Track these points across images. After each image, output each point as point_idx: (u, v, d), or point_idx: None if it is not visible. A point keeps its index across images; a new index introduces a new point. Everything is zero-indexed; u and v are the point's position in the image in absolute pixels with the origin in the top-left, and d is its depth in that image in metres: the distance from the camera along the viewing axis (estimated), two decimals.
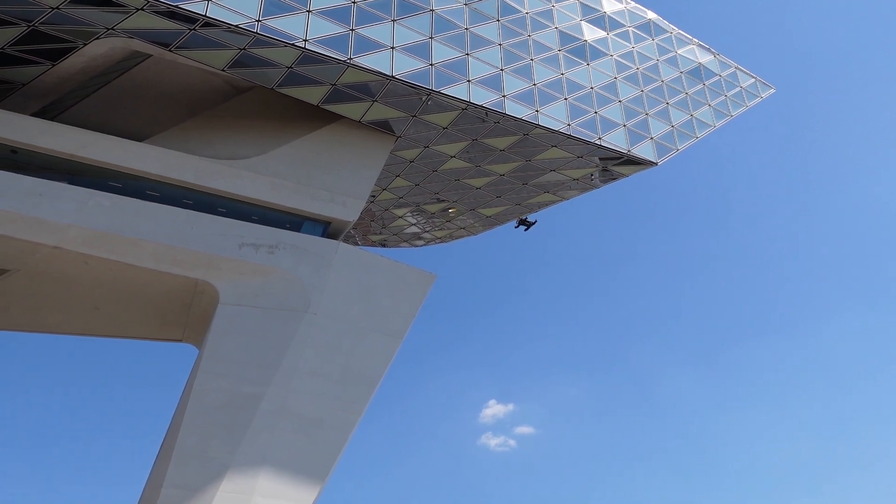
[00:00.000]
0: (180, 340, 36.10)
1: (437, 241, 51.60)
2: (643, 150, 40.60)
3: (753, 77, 50.55)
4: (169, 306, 33.83)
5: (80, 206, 29.39)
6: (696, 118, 44.34)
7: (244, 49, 30.46)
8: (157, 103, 34.95)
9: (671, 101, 43.77)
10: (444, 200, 45.17)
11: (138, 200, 30.59)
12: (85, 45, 29.80)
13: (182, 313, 34.28)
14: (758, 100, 49.61)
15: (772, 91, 51.12)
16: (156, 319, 35.36)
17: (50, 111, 33.27)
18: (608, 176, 42.73)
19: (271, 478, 27.50)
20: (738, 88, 48.63)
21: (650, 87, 43.36)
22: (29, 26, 28.45)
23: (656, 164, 40.96)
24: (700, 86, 46.22)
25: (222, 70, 31.49)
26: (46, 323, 36.25)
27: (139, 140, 32.48)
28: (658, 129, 41.93)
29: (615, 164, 41.04)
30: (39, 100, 32.95)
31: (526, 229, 51.16)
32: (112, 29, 28.94)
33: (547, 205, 46.30)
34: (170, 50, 30.28)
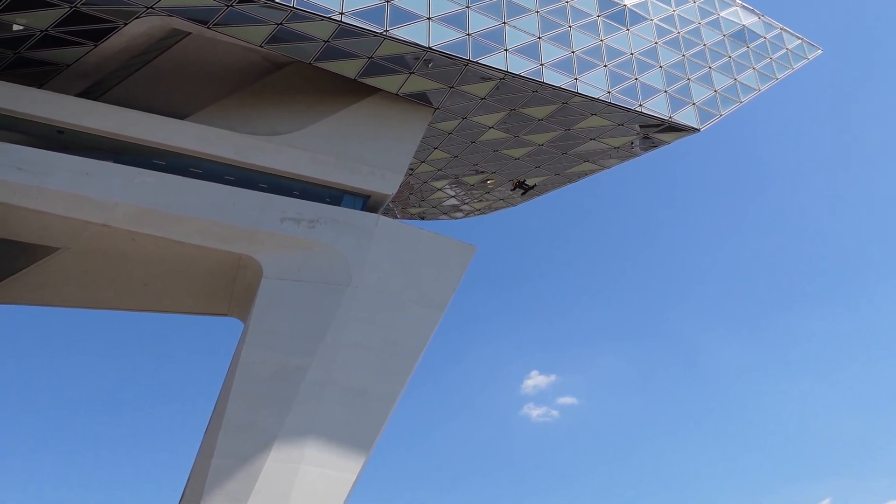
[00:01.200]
0: (225, 314, 36.78)
1: (477, 212, 51.53)
2: (685, 117, 39.87)
3: (800, 38, 49.14)
4: (214, 281, 34.47)
5: (126, 184, 30.01)
6: (739, 82, 43.33)
7: (281, 24, 30.55)
8: (197, 81, 35.31)
9: (714, 66, 42.81)
10: (482, 172, 45.02)
11: (181, 177, 31.14)
12: (125, 24, 30.17)
13: (227, 288, 34.90)
14: (804, 62, 48.26)
15: (819, 52, 49.67)
16: (202, 294, 36.06)
17: (94, 91, 33.85)
18: (649, 143, 42.11)
19: (318, 447, 28.06)
20: (783, 50, 47.34)
21: (692, 51, 42.45)
22: (71, 7, 28.88)
23: (699, 130, 40.22)
24: (744, 48, 45.09)
25: (260, 46, 31.64)
26: (99, 299, 37.22)
27: (180, 118, 32.92)
28: (700, 94, 41.10)
29: (656, 131, 40.40)
30: (83, 80, 33.52)
31: (523, 193, 48.37)
32: (151, 7, 29.24)
33: (587, 174, 45.84)
34: (208, 27, 30.50)
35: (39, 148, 30.16)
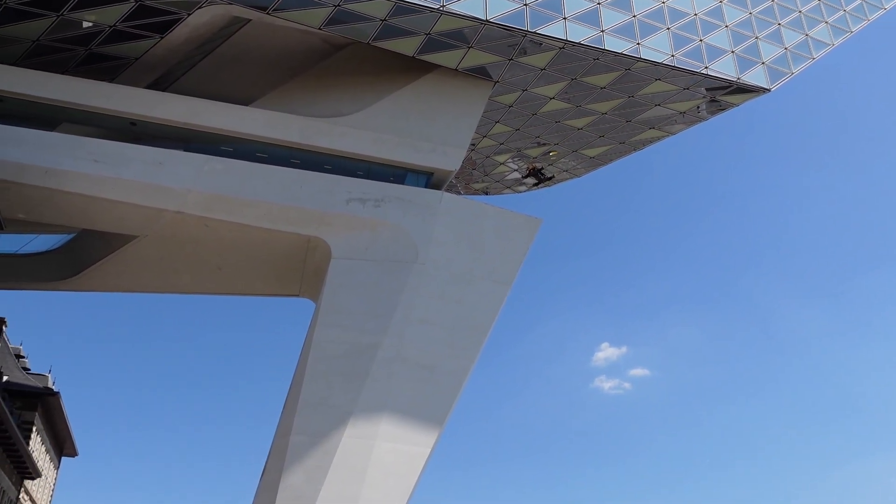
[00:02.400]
0: (297, 295, 37.60)
1: (541, 185, 51.07)
2: (754, 77, 38.52)
3: None
4: (285, 263, 35.23)
5: (197, 172, 30.87)
6: (811, 38, 41.57)
7: (338, 5, 30.71)
8: (260, 67, 35.89)
9: (783, 22, 41.13)
10: (545, 144, 44.53)
11: (249, 163, 31.87)
12: (188, 14, 30.83)
13: (297, 269, 35.62)
14: (881, 12, 45.91)
15: None
16: (273, 276, 36.93)
17: (162, 83, 34.80)
18: (716, 107, 40.88)
19: (392, 423, 28.55)
20: (857, 1, 45.15)
21: (759, 8, 40.87)
22: (137, 1, 29.66)
23: (769, 90, 38.80)
24: (815, 2, 43.19)
25: (319, 28, 31.91)
26: (177, 284, 38.59)
27: (245, 104, 33.58)
28: (770, 52, 39.58)
29: (724, 93, 39.19)
30: (151, 73, 34.48)
31: (536, 183, 44.38)
32: None
33: (652, 141, 44.85)
34: (267, 12, 30.90)
35: (114, 140, 31.30)
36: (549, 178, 42.89)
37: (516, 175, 49.69)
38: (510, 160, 47.31)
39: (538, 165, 41.71)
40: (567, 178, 50.07)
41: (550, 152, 45.82)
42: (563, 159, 46.85)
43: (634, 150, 46.00)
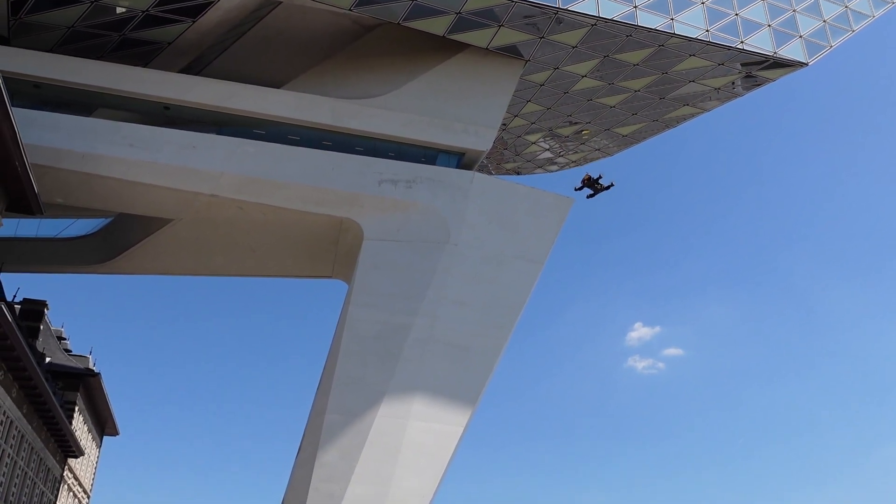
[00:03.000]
0: (330, 277, 37.89)
1: (572, 164, 50.65)
2: (791, 51, 37.66)
3: None
4: (317, 245, 35.48)
5: (230, 155, 31.15)
6: (850, 9, 40.45)
7: None
8: (290, 49, 35.98)
9: None
10: (576, 123, 44.10)
11: (281, 145, 32.05)
12: None
13: (330, 251, 35.86)
14: None
15: None
16: (306, 258, 37.23)
17: (194, 67, 35.10)
18: (752, 82, 40.08)
19: (425, 402, 28.74)
20: None
21: None
22: None
23: (806, 64, 37.92)
24: None
25: (349, 10, 31.85)
26: (211, 266, 39.11)
27: (276, 87, 33.73)
28: (807, 25, 38.65)
29: (760, 68, 38.40)
30: (184, 57, 34.77)
31: (591, 195, 38.76)
32: None
33: (687, 118, 44.17)
34: None
35: (148, 125, 31.69)
36: (608, 187, 38.12)
37: (548, 154, 49.34)
38: (542, 140, 46.96)
39: (593, 176, 38.08)
40: (600, 157, 49.58)
41: (583, 131, 45.37)
42: (595, 138, 46.39)
43: (668, 127, 45.36)
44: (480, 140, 34.31)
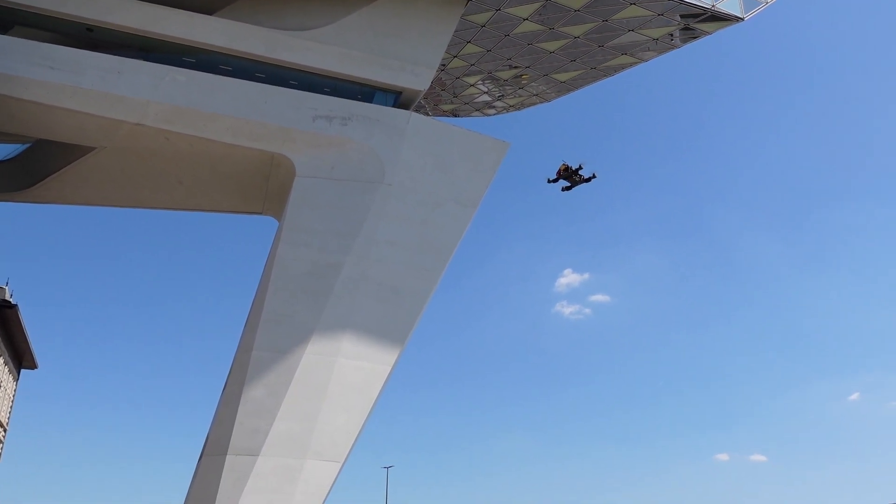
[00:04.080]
0: (260, 213, 37.25)
1: (511, 109, 50.62)
2: (729, 5, 38.10)
3: None
4: (248, 180, 34.73)
5: (157, 83, 29.96)
6: None
7: None
8: None
9: None
10: (516, 66, 43.92)
11: (212, 75, 30.98)
12: None
13: (261, 186, 35.18)
14: None
15: None
16: (236, 193, 36.44)
17: None
18: (690, 35, 40.52)
19: (354, 341, 28.87)
20: None
21: None
22: None
23: (742, 19, 38.50)
24: None
25: None
26: (137, 198, 37.90)
27: (208, 13, 32.39)
28: None
29: (698, 21, 38.80)
30: None
31: (568, 188, 35.07)
32: None
33: (624, 67, 44.48)
34: None
35: (71, 46, 30.11)
36: (589, 179, 34.32)
37: (486, 98, 49.12)
38: (480, 82, 46.68)
39: (572, 166, 33.44)
40: (537, 103, 49.67)
41: (522, 75, 45.27)
42: (533, 83, 46.38)
43: (606, 76, 45.65)
44: (418, 79, 33.86)
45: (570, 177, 33.87)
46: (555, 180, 34.04)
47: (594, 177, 34.01)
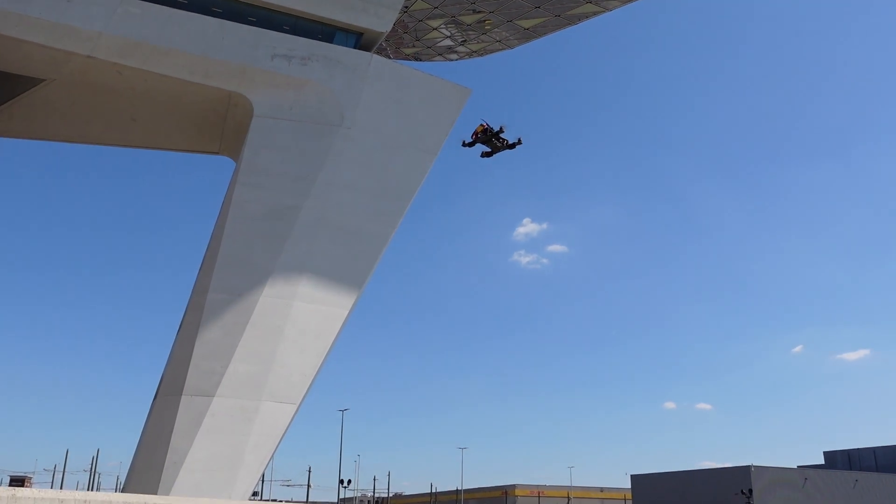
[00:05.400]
0: (217, 153, 36.59)
1: (473, 54, 50.05)
2: None
3: None
4: (204, 118, 33.98)
5: (110, 14, 28.86)
6: None
7: None
8: None
9: None
10: (480, 11, 43.28)
11: (168, 8, 29.92)
12: None
13: (217, 126, 34.48)
14: None
15: None
16: (192, 132, 35.66)
17: None
18: None
19: (311, 284, 28.88)
20: None
21: None
22: None
23: None
24: None
25: None
26: (88, 134, 36.81)
27: None
28: None
29: None
30: None
31: (489, 154, 31.42)
32: None
33: (588, 16, 44.17)
34: None
35: None
36: (514, 145, 30.28)
37: (449, 42, 48.45)
38: (443, 26, 45.94)
39: (492, 127, 28.67)
40: (499, 49, 49.15)
41: (485, 20, 44.65)
42: (497, 28, 45.82)
43: (569, 24, 45.28)
44: (380, 21, 33.25)
45: (489, 140, 29.37)
46: (471, 143, 29.45)
47: (519, 142, 29.67)
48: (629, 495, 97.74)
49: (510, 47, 48.37)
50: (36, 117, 34.55)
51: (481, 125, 28.39)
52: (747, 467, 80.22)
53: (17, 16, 27.81)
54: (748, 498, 75.23)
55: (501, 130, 28.53)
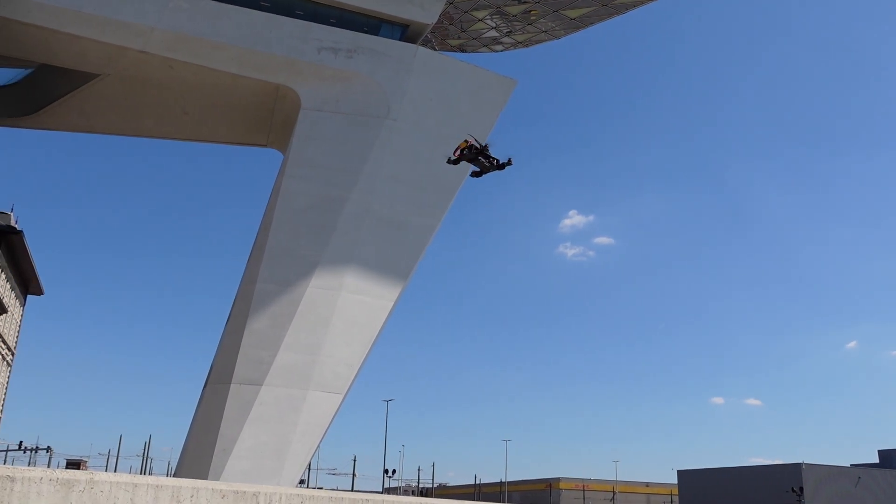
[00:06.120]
0: (265, 145, 37.05)
1: (519, 45, 49.69)
2: None
3: None
4: (253, 111, 34.44)
5: (161, 9, 29.44)
6: None
7: None
8: None
9: None
10: (525, 2, 42.94)
11: (217, 3, 30.39)
12: None
13: (265, 119, 34.91)
14: None
15: None
16: (241, 124, 36.18)
17: None
18: None
19: (357, 275, 29.11)
20: None
21: None
22: None
23: None
24: None
25: None
26: (141, 127, 37.65)
27: None
28: None
29: None
30: None
31: (478, 174, 26.60)
32: None
33: (635, 5, 43.49)
34: None
35: None
36: (503, 166, 26.49)
37: (494, 34, 48.19)
38: (488, 17, 45.70)
39: (479, 143, 26.10)
40: (545, 40, 48.70)
41: (531, 11, 44.26)
42: (543, 19, 45.40)
43: (617, 13, 44.61)
44: (426, 12, 33.25)
45: (474, 158, 26.67)
46: (455, 161, 26.77)
47: (510, 163, 26.84)
48: (675, 491, 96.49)
49: (556, 38, 47.85)
50: (91, 111, 35.45)
51: (465, 141, 26.20)
52: (798, 465, 78.48)
53: (73, 13, 28.55)
54: (799, 496, 73.67)
55: (486, 148, 26.14)
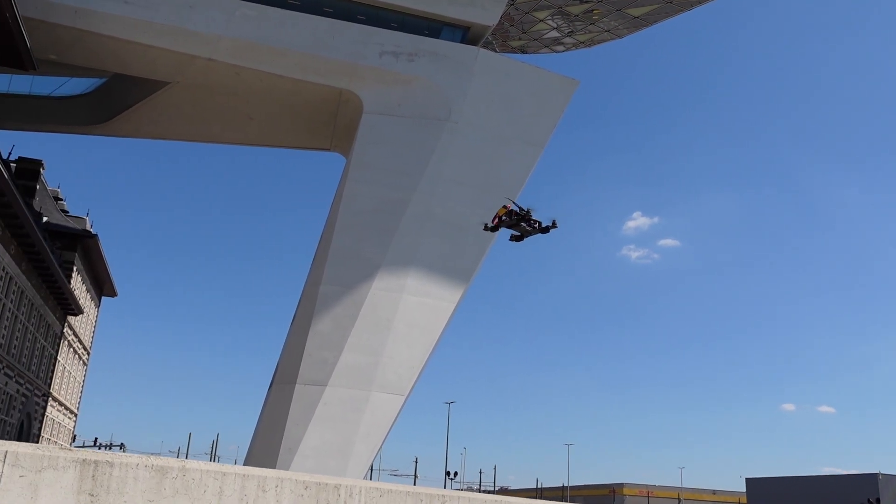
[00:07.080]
0: (328, 149, 37.59)
1: (581, 45, 49.25)
2: None
3: None
4: (316, 116, 34.99)
5: (229, 17, 30.20)
6: None
7: None
8: None
9: None
10: (587, 1, 42.54)
11: (281, 10, 31.04)
12: None
13: (328, 123, 35.42)
14: None
15: None
16: (305, 129, 36.80)
17: None
18: None
19: (419, 277, 29.25)
20: None
21: None
22: None
23: None
24: None
25: None
26: (209, 133, 38.69)
27: None
28: None
29: None
30: None
31: (518, 238, 26.24)
32: None
33: (701, 2, 42.64)
34: None
35: None
36: (547, 229, 25.89)
37: (555, 34, 47.87)
38: (550, 17, 45.43)
39: (521, 208, 24.88)
40: (608, 40, 48.13)
41: (593, 10, 43.80)
42: (605, 18, 44.89)
43: (682, 10, 43.80)
44: (487, 14, 33.27)
45: (515, 224, 25.45)
46: (493, 228, 25.52)
47: (554, 226, 25.82)
48: (744, 499, 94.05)
49: (619, 37, 47.25)
50: (161, 119, 36.56)
51: (504, 208, 24.84)
52: (874, 475, 75.71)
53: (145, 23, 29.52)
54: None
55: (528, 213, 25.01)
